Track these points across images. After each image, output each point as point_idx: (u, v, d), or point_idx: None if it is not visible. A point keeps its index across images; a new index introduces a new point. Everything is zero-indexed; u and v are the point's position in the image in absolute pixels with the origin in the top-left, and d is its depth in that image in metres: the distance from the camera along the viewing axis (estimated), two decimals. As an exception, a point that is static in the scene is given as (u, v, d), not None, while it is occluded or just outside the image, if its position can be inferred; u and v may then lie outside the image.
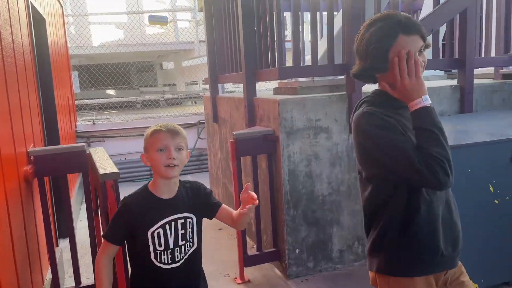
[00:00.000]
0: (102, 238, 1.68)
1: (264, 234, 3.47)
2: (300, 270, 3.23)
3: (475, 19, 3.43)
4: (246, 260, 3.20)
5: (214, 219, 1.77)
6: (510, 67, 3.88)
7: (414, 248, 1.49)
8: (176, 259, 1.65)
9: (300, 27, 3.46)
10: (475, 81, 3.86)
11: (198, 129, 7.30)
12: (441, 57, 3.65)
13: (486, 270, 2.82)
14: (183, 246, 1.66)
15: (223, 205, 1.76)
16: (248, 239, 3.58)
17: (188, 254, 1.68)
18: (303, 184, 3.19)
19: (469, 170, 2.69)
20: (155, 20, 8.95)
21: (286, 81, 3.73)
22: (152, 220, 1.61)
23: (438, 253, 1.49)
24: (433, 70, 4.43)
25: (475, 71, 4.42)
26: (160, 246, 1.62)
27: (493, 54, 3.94)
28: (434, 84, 3.70)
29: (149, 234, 1.60)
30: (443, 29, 3.80)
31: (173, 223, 1.64)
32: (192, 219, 1.68)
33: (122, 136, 7.06)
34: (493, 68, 3.98)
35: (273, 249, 3.30)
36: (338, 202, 3.30)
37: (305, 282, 3.13)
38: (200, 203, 1.71)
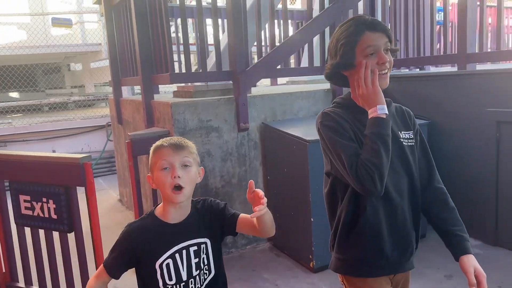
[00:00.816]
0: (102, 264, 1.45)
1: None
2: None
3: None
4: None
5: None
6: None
7: (360, 249, 1.50)
8: None
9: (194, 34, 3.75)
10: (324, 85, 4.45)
11: (107, 131, 7.26)
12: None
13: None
14: (197, 277, 1.43)
15: (241, 215, 1.52)
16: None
17: (205, 285, 1.46)
18: (197, 178, 3.47)
19: (331, 160, 3.18)
20: (59, 22, 8.65)
21: (183, 85, 3.98)
22: (160, 249, 1.38)
23: (382, 257, 1.48)
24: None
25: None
26: (170, 279, 1.39)
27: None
28: (310, 88, 4.20)
29: (157, 266, 1.37)
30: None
31: (184, 251, 1.40)
32: (206, 244, 1.45)
33: (26, 140, 6.79)
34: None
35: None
36: (230, 193, 3.64)
37: (201, 267, 3.43)
38: (215, 223, 1.48)
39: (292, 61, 6.05)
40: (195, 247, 1.43)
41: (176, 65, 4.11)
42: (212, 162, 3.51)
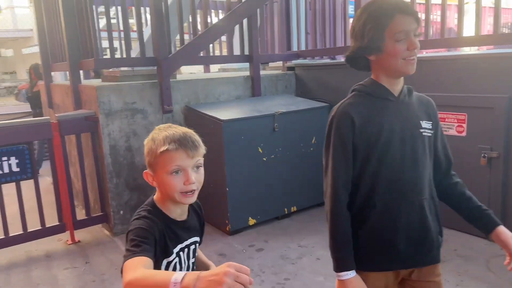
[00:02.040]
0: (125, 263, 1.11)
1: (93, 201, 3.90)
2: (125, 228, 3.76)
3: (257, 23, 4.33)
4: (76, 224, 3.60)
5: None
6: (293, 61, 4.95)
7: (368, 243, 1.43)
8: None
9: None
10: (266, 72, 4.84)
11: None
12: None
13: (260, 209, 3.76)
14: None
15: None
16: (75, 201, 3.94)
17: None
18: (124, 156, 3.70)
19: (242, 137, 3.56)
20: (-14, 6, 8.26)
21: (111, 70, 4.15)
22: (170, 246, 1.27)
23: (393, 252, 1.42)
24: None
25: (272, 64, 5.45)
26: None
27: (279, 51, 4.97)
28: (231, 75, 4.54)
29: (164, 263, 1.27)
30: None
31: (186, 249, 1.34)
32: (198, 243, 1.41)
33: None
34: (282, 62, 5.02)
35: (100, 213, 3.76)
36: (156, 170, 3.90)
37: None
38: (202, 224, 1.46)
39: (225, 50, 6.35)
40: (193, 246, 1.36)
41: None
42: (138, 142, 3.74)
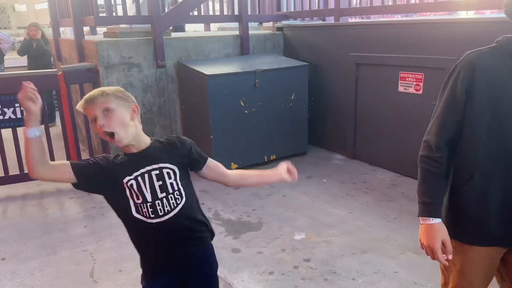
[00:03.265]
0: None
1: (96, 144, 4.40)
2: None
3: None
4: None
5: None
6: (283, 21, 5.23)
7: (460, 215, 1.35)
8: (160, 213, 1.44)
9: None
10: (255, 31, 5.15)
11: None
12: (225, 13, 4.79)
13: (242, 156, 4.22)
14: (165, 199, 1.45)
15: (211, 161, 1.58)
16: (80, 145, 4.45)
17: (177, 209, 1.46)
18: (121, 105, 4.15)
19: (225, 91, 3.96)
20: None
21: (112, 26, 4.52)
22: (125, 171, 1.43)
23: (483, 230, 1.32)
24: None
25: (265, 24, 5.73)
26: (138, 198, 1.43)
27: (269, 12, 5.25)
28: (220, 33, 4.86)
29: (124, 183, 1.42)
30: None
31: (146, 175, 1.44)
32: (173, 170, 1.48)
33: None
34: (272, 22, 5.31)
35: (102, 155, 4.26)
36: (151, 119, 4.36)
37: (126, 175, 4.21)
38: (180, 154, 1.51)
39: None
40: (157, 171, 1.45)
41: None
42: (134, 93, 4.15)
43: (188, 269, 1.52)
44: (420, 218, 1.36)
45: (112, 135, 1.38)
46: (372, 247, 2.73)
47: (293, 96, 4.43)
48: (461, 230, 1.37)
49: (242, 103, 4.10)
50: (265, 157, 4.40)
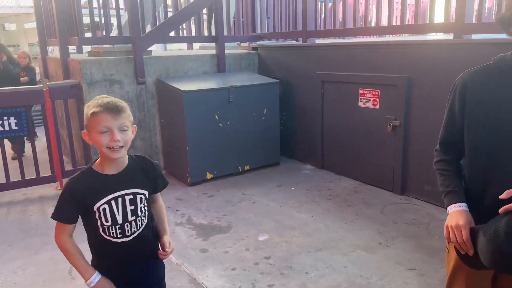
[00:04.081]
0: (56, 224, 1.52)
1: (79, 156, 4.64)
2: (105, 178, 4.51)
3: (222, 8, 4.95)
4: (64, 174, 4.35)
5: None
6: (258, 42, 5.58)
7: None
8: (127, 234, 1.54)
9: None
10: (232, 51, 5.49)
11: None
12: (202, 34, 5.12)
13: (217, 166, 4.49)
14: (133, 222, 1.54)
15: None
16: (64, 157, 4.67)
17: (141, 229, 1.57)
18: (103, 119, 4.41)
19: (200, 106, 4.26)
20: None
21: (95, 46, 4.81)
22: (97, 196, 1.48)
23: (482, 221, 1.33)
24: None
25: (243, 44, 6.06)
26: (107, 221, 1.49)
27: (245, 32, 5.60)
28: (198, 52, 5.19)
29: (95, 209, 1.48)
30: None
31: (120, 199, 1.51)
32: (144, 195, 1.57)
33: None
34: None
35: (85, 166, 4.50)
36: (132, 132, 4.62)
37: (107, 185, 4.44)
38: (150, 178, 1.60)
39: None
40: (131, 196, 1.51)
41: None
42: (115, 107, 4.44)
43: (142, 275, 1.64)
44: (448, 208, 1.40)
45: (120, 148, 1.44)
46: (327, 246, 3.00)
47: (265, 110, 4.74)
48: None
49: (216, 117, 4.39)
50: (239, 167, 4.68)
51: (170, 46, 8.04)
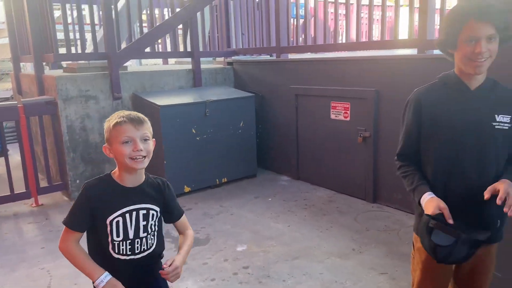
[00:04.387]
0: (64, 226, 1.51)
1: (54, 172, 4.61)
2: (81, 194, 4.49)
3: (197, 24, 5.07)
4: (39, 190, 4.31)
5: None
6: (233, 57, 5.71)
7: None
8: (136, 251, 1.53)
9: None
10: (208, 65, 5.60)
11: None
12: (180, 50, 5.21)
13: (194, 179, 4.54)
14: (144, 239, 1.53)
15: (183, 217, 1.69)
16: (40, 175, 4.62)
17: (151, 250, 1.57)
18: (79, 135, 4.41)
19: (177, 120, 4.33)
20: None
21: (70, 62, 4.82)
22: (113, 207, 1.47)
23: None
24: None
25: (218, 59, 6.19)
26: (118, 236, 1.48)
27: (220, 48, 5.73)
28: (175, 67, 5.27)
29: (107, 222, 1.46)
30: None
31: (134, 213, 1.51)
32: (157, 212, 1.57)
33: None
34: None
35: (60, 182, 4.48)
36: (108, 147, 4.63)
37: (84, 201, 4.42)
38: (164, 198, 1.60)
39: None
40: (144, 211, 1.52)
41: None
42: (91, 123, 4.46)
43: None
44: (422, 199, 1.51)
45: (143, 158, 1.46)
46: (303, 254, 3.10)
47: (241, 123, 4.85)
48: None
49: (194, 130, 4.46)
50: (217, 180, 4.74)
51: (145, 61, 8.08)
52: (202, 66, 5.21)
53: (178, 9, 5.03)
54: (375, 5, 4.20)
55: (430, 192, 1.51)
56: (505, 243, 1.85)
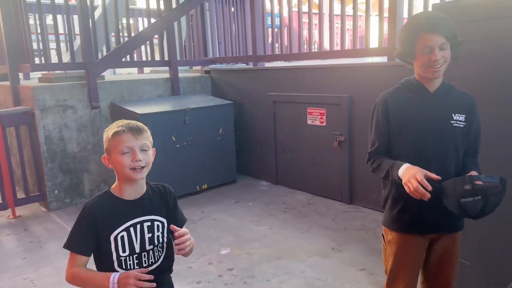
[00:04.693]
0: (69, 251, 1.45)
1: (31, 183, 4.55)
2: (59, 205, 4.46)
3: (174, 34, 5.16)
4: (16, 201, 4.25)
5: None
6: (210, 66, 5.82)
7: (399, 208, 1.73)
8: (144, 265, 1.50)
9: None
10: (185, 74, 5.68)
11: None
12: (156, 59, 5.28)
13: (175, 187, 4.56)
14: (151, 251, 1.50)
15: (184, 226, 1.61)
16: (17, 187, 4.56)
17: (159, 262, 1.53)
18: (57, 145, 4.39)
19: (157, 128, 4.38)
20: None
21: (46, 72, 4.80)
22: (115, 223, 1.44)
23: (416, 217, 1.69)
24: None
25: (195, 68, 6.28)
26: (124, 251, 1.45)
27: (197, 57, 5.83)
28: (153, 76, 5.33)
29: (112, 238, 1.43)
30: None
31: (138, 226, 1.47)
32: (162, 223, 1.53)
33: None
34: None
35: (38, 193, 4.43)
36: (86, 156, 4.62)
37: (62, 211, 4.38)
38: (167, 206, 1.57)
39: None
40: (149, 223, 1.48)
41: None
42: (69, 132, 4.45)
43: None
44: (399, 171, 1.61)
45: (142, 168, 1.44)
46: (286, 255, 3.22)
47: (220, 130, 4.94)
48: (400, 222, 1.74)
49: (173, 138, 4.52)
50: (197, 186, 4.81)
51: (119, 70, 8.07)
52: (180, 74, 5.29)
53: (153, 20, 5.11)
54: (347, 15, 4.41)
55: (406, 163, 1.61)
56: (472, 232, 2.03)
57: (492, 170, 1.68)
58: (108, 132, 1.47)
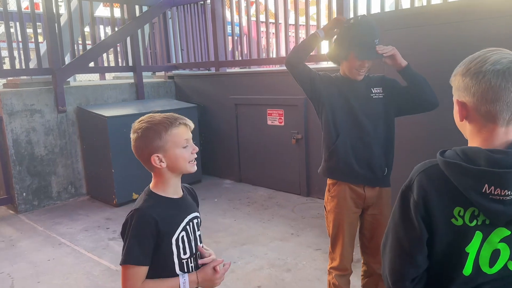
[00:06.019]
0: (126, 267, 1.32)
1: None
2: (27, 207, 4.58)
3: (138, 41, 5.42)
4: (-17, 205, 4.34)
5: None
6: (173, 71, 6.10)
7: (335, 161, 2.12)
8: (199, 266, 1.43)
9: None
10: (149, 79, 5.93)
11: None
12: (121, 64, 5.51)
13: (143, 187, 4.81)
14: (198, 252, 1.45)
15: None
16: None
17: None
18: (25, 148, 4.52)
19: (124, 130, 4.61)
20: None
21: (12, 78, 4.90)
22: (174, 224, 1.36)
23: (350, 168, 2.09)
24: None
25: (158, 73, 6.54)
26: (185, 253, 1.37)
27: (160, 63, 6.11)
28: (118, 82, 5.56)
29: (173, 241, 1.35)
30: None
31: (191, 223, 1.42)
32: (200, 220, 1.50)
33: None
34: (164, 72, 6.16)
35: (6, 196, 4.53)
36: (54, 159, 4.77)
37: (31, 213, 4.51)
38: (197, 205, 1.55)
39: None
40: (197, 220, 1.45)
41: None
42: (37, 136, 4.59)
43: None
44: (316, 31, 2.16)
45: (195, 159, 1.41)
46: (250, 241, 3.58)
47: (185, 133, 5.24)
48: (337, 171, 2.13)
49: (140, 140, 4.77)
50: (164, 187, 5.06)
51: (79, 77, 8.16)
52: (144, 80, 5.55)
53: (117, 28, 5.35)
54: (300, 25, 4.88)
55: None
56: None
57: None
58: (160, 129, 1.35)
